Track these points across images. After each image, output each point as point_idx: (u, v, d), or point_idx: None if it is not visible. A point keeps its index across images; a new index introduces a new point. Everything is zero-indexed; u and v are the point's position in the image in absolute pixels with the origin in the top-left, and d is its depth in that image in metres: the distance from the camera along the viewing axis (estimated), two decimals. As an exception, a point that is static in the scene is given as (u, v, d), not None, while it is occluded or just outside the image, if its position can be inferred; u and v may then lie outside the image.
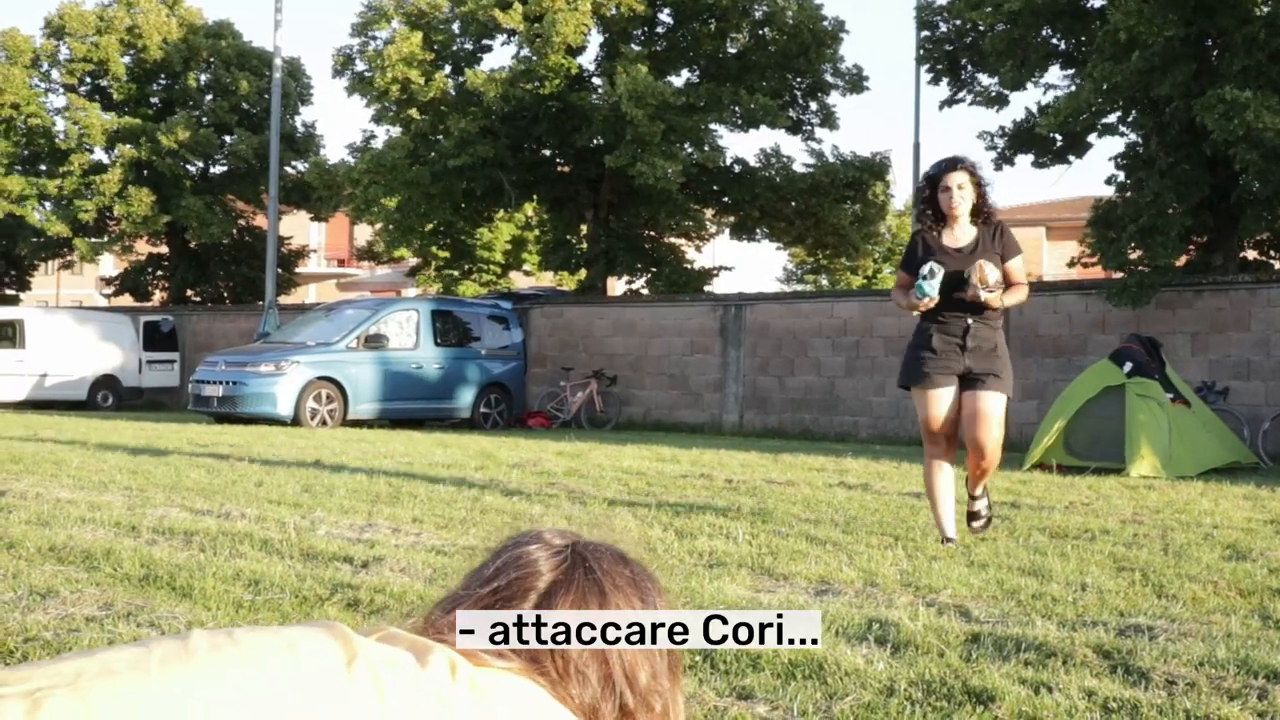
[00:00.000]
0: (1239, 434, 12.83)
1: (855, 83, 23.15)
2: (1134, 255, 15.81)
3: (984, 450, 5.73)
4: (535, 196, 24.42)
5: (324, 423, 17.26)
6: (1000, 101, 18.63)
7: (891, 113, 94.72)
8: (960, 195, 5.74)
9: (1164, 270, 15.56)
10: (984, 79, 18.84)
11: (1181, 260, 16.90)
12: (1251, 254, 17.87)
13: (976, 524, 6.02)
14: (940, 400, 5.79)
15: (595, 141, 21.64)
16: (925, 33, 19.34)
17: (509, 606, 1.45)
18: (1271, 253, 17.98)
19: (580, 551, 1.52)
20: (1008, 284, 5.76)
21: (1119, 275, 16.19)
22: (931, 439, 5.85)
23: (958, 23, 18.56)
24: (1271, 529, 6.48)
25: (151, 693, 1.19)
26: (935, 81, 19.30)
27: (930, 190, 5.88)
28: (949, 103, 19.21)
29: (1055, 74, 18.13)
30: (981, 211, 5.82)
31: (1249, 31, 14.53)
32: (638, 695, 1.45)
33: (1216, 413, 12.64)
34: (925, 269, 5.67)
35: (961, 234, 5.81)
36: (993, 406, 5.72)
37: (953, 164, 5.83)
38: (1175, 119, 15.47)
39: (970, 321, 5.74)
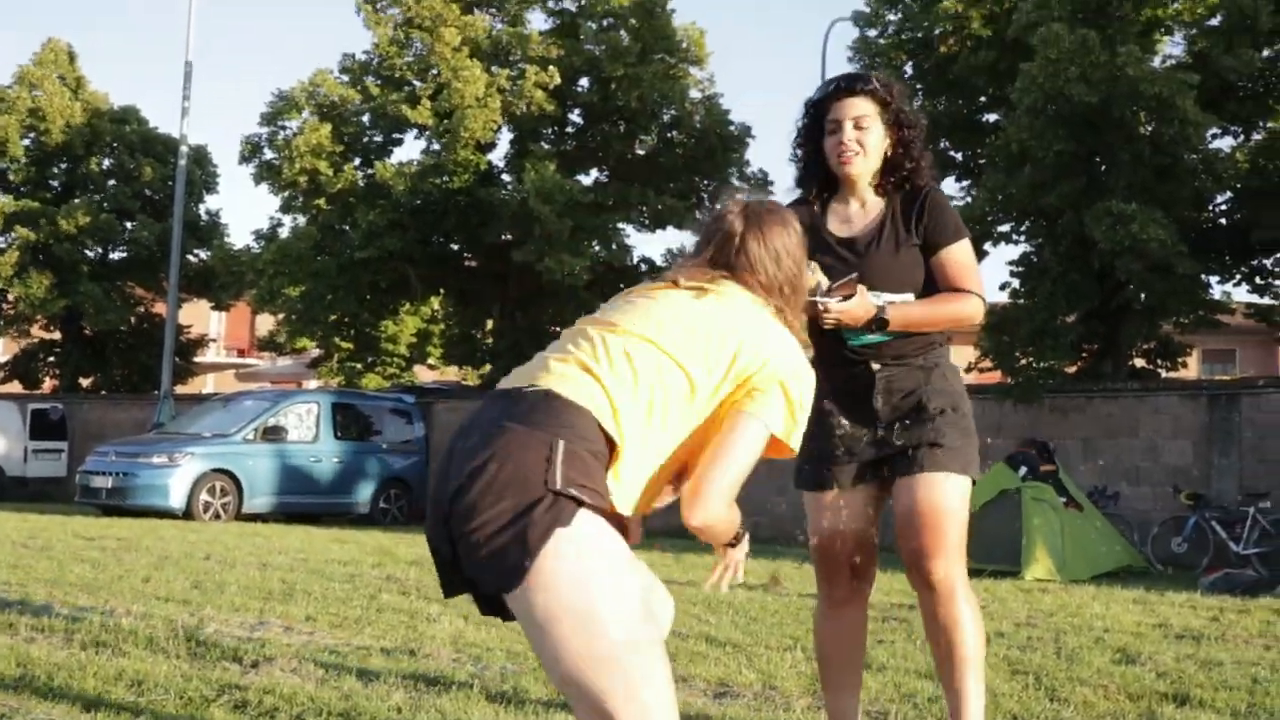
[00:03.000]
0: (1129, 538, 13.10)
1: (761, 186, 23.59)
2: (1024, 361, 16.29)
3: (931, 577, 3.17)
4: (441, 290, 24.40)
5: (217, 516, 16.84)
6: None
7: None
8: (857, 138, 3.28)
9: (1052, 372, 16.03)
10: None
11: (1074, 367, 17.43)
12: (1139, 362, 18.46)
13: None
14: (831, 508, 3.35)
15: (503, 237, 21.73)
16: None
17: (721, 253, 2.55)
18: (1158, 361, 18.59)
19: (751, 209, 2.61)
20: (936, 288, 3.31)
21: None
22: (821, 572, 3.41)
23: (858, 132, 19.09)
24: (1160, 633, 6.61)
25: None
26: (837, 189, 19.78)
27: (813, 128, 3.38)
28: (850, 209, 19.65)
29: (951, 185, 18.72)
30: (898, 168, 3.34)
31: (1134, 149, 15.20)
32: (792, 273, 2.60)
33: (1108, 516, 12.91)
34: None
35: (857, 210, 3.38)
36: (941, 498, 3.20)
37: (849, 84, 3.31)
38: (1066, 230, 16.04)
39: (878, 368, 3.32)
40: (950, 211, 3.34)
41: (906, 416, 3.28)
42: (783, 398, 2.41)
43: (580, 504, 2.10)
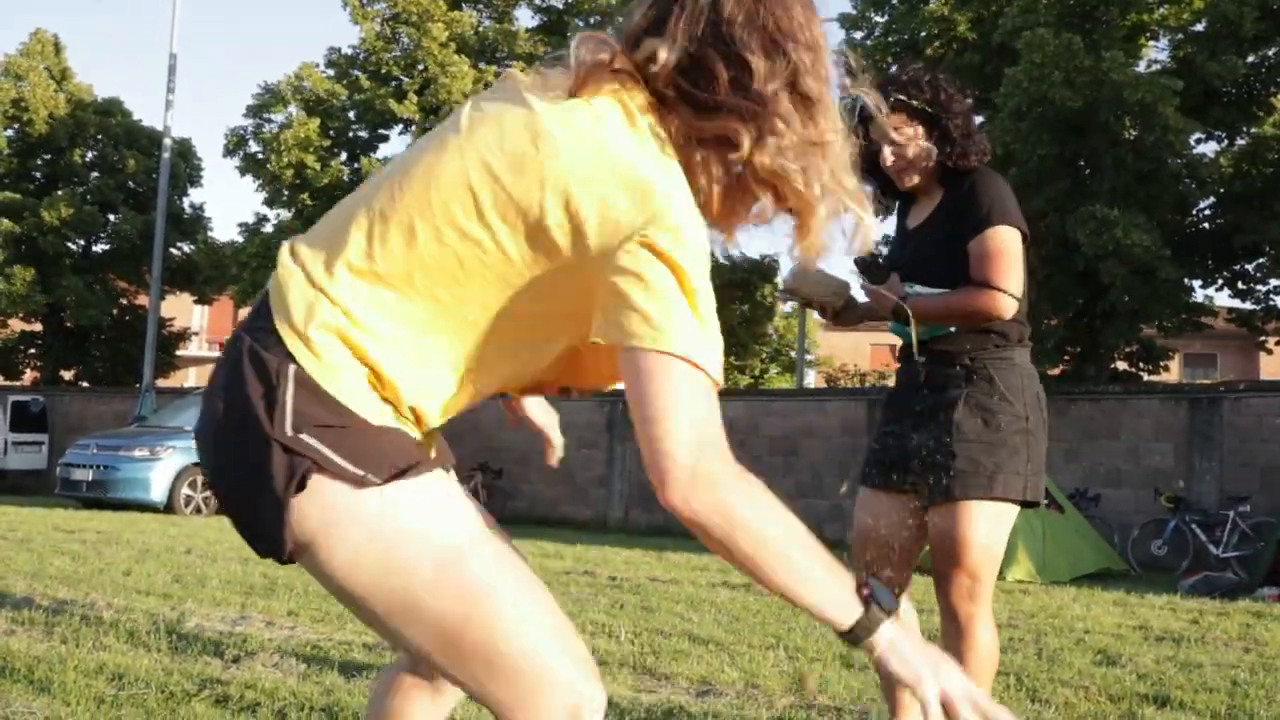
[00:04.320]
0: (1110, 540, 13.16)
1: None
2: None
3: (948, 605, 3.13)
4: (426, 286, 24.37)
5: (199, 510, 16.79)
6: (884, 211, 19.23)
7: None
8: (896, 153, 3.23)
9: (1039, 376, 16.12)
10: (867, 189, 19.47)
11: (1056, 370, 17.51)
12: (1121, 365, 18.54)
13: None
14: (866, 506, 3.26)
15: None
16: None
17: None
18: (1140, 364, 18.68)
19: None
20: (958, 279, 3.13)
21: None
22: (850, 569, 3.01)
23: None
24: (1140, 635, 6.64)
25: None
26: (823, 189, 19.86)
27: (867, 143, 3.13)
28: (836, 210, 19.73)
29: (937, 186, 18.80)
30: (946, 158, 3.21)
31: (1117, 153, 15.28)
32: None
33: (1089, 519, 12.96)
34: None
35: (925, 202, 3.36)
36: (961, 528, 3.04)
37: (866, 108, 2.75)
38: (1050, 233, 16.11)
39: (921, 360, 3.18)
40: (987, 197, 3.12)
41: (939, 416, 3.08)
42: (655, 272, 1.51)
43: (318, 463, 1.47)
